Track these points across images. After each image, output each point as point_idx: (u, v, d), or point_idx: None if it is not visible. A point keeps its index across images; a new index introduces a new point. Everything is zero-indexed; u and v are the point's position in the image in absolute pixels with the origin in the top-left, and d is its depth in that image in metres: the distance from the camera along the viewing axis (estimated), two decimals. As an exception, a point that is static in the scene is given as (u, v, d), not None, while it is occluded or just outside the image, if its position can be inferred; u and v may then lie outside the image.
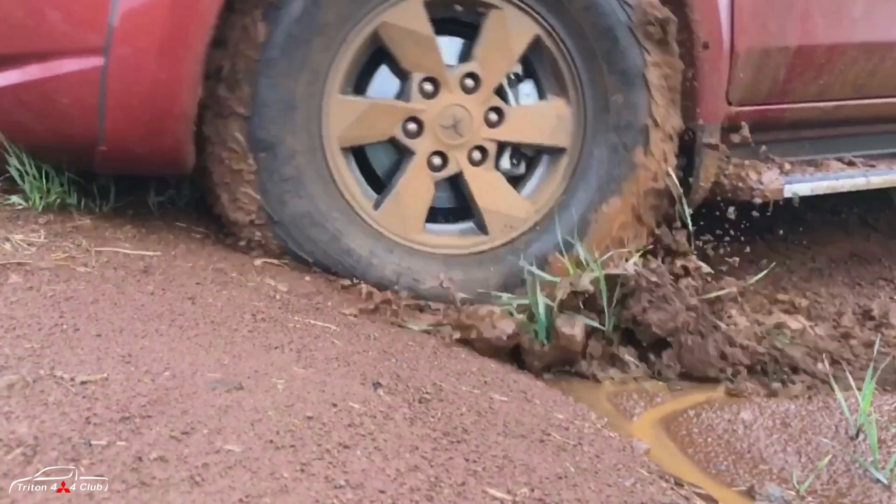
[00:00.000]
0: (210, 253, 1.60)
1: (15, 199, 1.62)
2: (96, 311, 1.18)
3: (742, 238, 1.99)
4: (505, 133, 1.73)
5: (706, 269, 1.68)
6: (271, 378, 1.06)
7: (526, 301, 1.56)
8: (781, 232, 2.61)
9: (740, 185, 1.89)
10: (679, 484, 1.19)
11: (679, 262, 1.69)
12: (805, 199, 2.92)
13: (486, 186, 1.73)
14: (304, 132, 1.58)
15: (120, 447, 0.82)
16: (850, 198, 3.03)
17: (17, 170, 1.60)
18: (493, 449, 1.05)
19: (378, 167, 1.75)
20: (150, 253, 1.49)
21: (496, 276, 1.72)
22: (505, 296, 1.63)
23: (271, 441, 0.89)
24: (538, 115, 1.77)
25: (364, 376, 1.17)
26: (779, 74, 1.94)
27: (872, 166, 2.08)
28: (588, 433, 1.26)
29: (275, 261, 1.62)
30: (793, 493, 1.25)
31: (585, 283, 1.52)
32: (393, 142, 1.68)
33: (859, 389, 1.40)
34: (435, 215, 1.76)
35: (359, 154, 1.72)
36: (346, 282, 1.63)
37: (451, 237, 1.76)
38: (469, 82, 1.68)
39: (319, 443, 0.91)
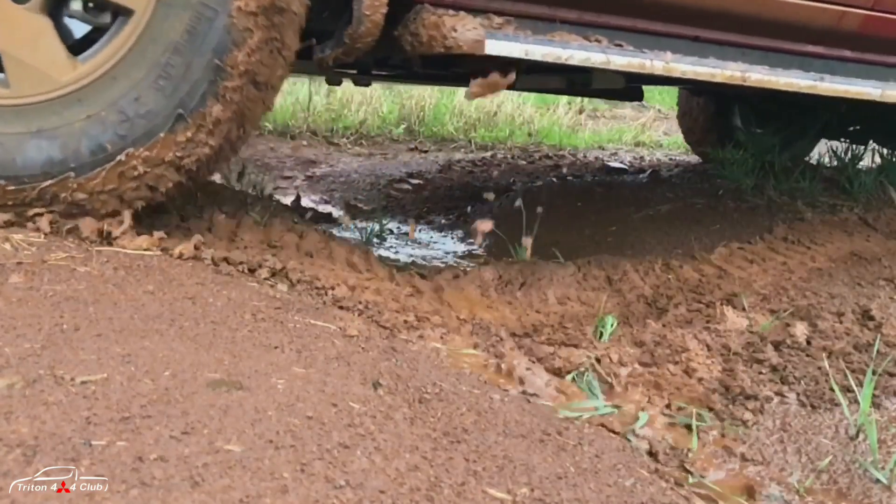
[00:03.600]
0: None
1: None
2: (96, 311, 1.18)
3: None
4: None
5: None
6: (271, 378, 1.06)
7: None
8: (781, 232, 2.61)
9: (434, 33, 1.70)
10: (679, 484, 1.19)
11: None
12: (805, 199, 2.94)
13: (19, 29, 1.45)
14: None
15: (120, 447, 0.82)
16: (850, 198, 3.04)
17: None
18: (493, 449, 1.05)
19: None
20: (150, 253, 1.49)
21: (17, 139, 1.46)
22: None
23: (271, 441, 0.89)
24: None
25: (364, 376, 1.17)
26: None
27: (620, 45, 1.89)
28: (588, 433, 1.26)
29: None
30: (793, 493, 1.25)
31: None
32: None
33: (859, 389, 1.41)
34: None
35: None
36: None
37: None
38: None
39: (319, 443, 0.91)
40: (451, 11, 1.72)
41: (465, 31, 1.68)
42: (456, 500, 0.89)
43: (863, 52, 2.25)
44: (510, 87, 2.74)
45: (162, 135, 1.50)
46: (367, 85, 3.03)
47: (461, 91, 5.61)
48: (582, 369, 1.56)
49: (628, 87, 3.01)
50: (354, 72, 2.58)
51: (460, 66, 2.44)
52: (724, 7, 1.99)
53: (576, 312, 1.96)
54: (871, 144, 3.75)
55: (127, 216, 1.53)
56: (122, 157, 1.49)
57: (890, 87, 2.25)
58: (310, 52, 1.93)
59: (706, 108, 4.19)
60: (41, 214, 1.49)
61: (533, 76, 2.65)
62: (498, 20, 1.77)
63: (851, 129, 3.86)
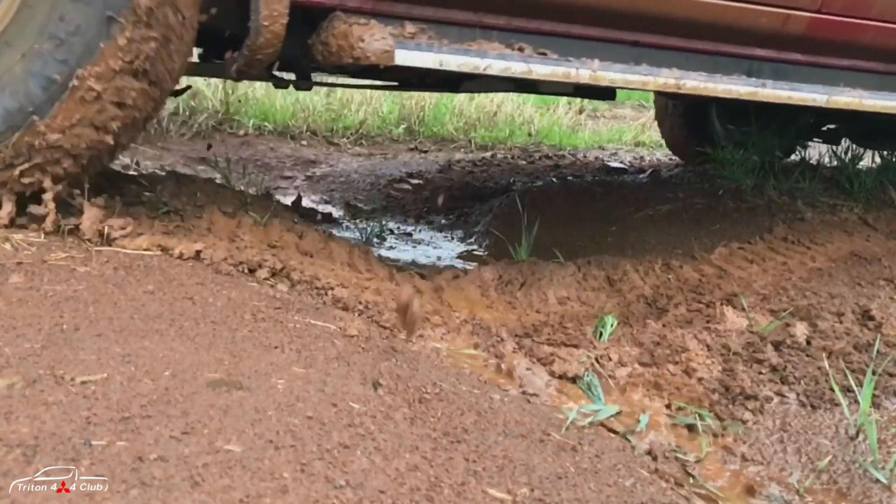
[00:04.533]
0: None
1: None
2: (96, 311, 1.18)
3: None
4: None
5: None
6: (271, 378, 1.06)
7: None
8: (781, 232, 2.61)
9: (343, 43, 1.62)
10: (679, 484, 1.19)
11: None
12: (805, 199, 2.94)
13: None
14: None
15: (120, 447, 0.82)
16: (851, 198, 3.04)
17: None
18: (493, 449, 1.05)
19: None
20: (150, 253, 1.49)
21: None
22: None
23: (271, 441, 0.89)
24: None
25: (364, 376, 1.17)
26: None
27: (544, 54, 1.79)
28: (588, 433, 1.26)
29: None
30: (793, 492, 1.25)
31: None
32: None
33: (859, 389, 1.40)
34: None
35: None
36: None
37: None
38: None
39: (319, 443, 0.91)
40: (362, 20, 1.64)
41: (372, 41, 1.60)
42: (456, 500, 0.89)
43: (812, 55, 2.17)
44: (452, 90, 2.69)
45: (102, 45, 1.44)
46: (308, 89, 3.01)
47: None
48: (582, 369, 1.56)
49: (595, 88, 2.95)
50: (293, 77, 2.54)
51: (387, 75, 2.35)
52: (661, 11, 1.92)
53: (576, 312, 1.96)
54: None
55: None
56: (74, 82, 1.44)
57: (837, 92, 2.15)
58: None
59: (682, 109, 4.09)
60: (29, 174, 1.45)
61: (480, 80, 2.60)
62: (411, 28, 1.69)
63: (825, 129, 3.83)
